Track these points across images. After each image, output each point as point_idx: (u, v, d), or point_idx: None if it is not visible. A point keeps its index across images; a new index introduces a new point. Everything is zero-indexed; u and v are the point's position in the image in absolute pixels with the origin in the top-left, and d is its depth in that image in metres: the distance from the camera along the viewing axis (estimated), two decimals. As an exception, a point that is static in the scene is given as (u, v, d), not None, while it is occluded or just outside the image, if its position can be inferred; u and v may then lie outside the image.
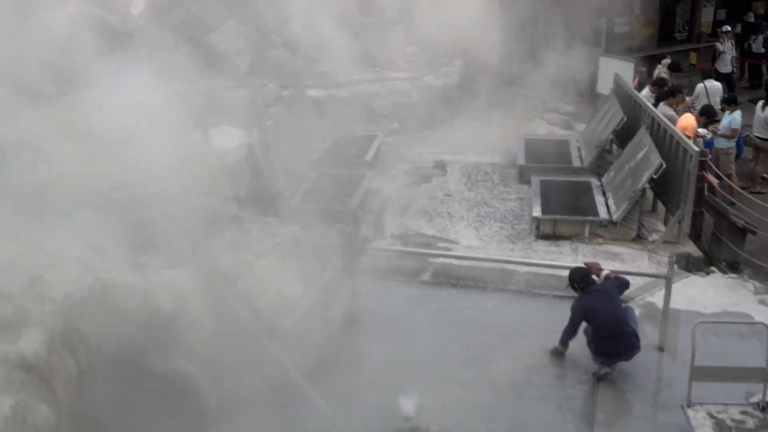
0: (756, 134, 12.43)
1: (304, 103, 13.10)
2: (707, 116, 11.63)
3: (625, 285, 7.16)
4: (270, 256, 7.05)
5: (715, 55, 16.69)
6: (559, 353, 7.22)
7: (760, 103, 12.53)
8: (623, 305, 7.20)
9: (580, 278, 7.04)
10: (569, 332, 7.09)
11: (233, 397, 6.35)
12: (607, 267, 7.39)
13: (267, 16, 15.15)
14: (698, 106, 12.51)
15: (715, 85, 13.66)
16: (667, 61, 14.38)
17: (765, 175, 12.74)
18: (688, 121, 11.08)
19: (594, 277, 7.06)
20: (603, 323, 6.77)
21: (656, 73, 14.50)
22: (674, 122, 10.94)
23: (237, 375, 6.41)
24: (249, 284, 6.69)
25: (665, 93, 12.41)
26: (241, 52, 14.56)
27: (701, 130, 11.38)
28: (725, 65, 16.40)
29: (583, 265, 7.27)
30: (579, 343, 7.12)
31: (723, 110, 12.39)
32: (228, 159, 9.43)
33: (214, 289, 6.44)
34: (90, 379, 5.47)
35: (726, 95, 12.97)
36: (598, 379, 6.80)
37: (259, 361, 6.51)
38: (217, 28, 14.78)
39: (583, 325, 7.00)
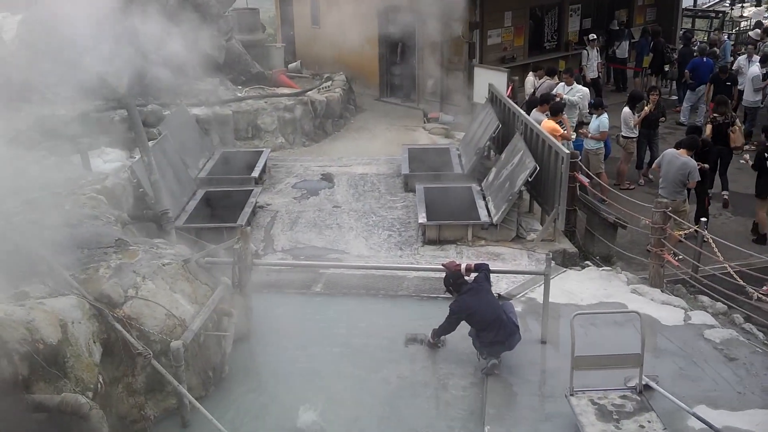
0: (623, 134, 13.24)
1: (188, 121, 12.96)
2: (558, 112, 12.20)
3: (487, 269, 7.49)
4: (157, 278, 6.96)
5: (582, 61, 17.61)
6: (433, 347, 7.55)
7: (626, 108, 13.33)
8: (503, 302, 7.55)
9: (454, 281, 7.38)
10: (446, 329, 7.40)
11: (128, 424, 6.25)
12: (492, 267, 7.67)
13: (144, 36, 14.89)
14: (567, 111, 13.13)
15: (583, 90, 14.40)
16: (541, 72, 15.02)
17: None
18: (550, 125, 11.57)
19: (465, 276, 7.40)
20: (482, 317, 7.09)
21: (527, 80, 15.15)
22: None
23: (130, 401, 6.32)
24: (137, 308, 6.59)
25: (537, 100, 13.03)
26: (118, 73, 14.23)
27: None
28: (592, 71, 17.33)
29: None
30: (465, 343, 7.38)
31: (591, 114, 13.11)
32: (109, 181, 9.23)
33: (101, 315, 6.30)
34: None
35: (593, 99, 13.71)
36: (487, 374, 7.08)
37: (152, 385, 6.45)
38: (92, 50, 14.40)
39: (467, 327, 7.31)
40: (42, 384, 5.65)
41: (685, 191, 10.69)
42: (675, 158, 10.61)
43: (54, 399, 5.62)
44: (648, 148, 13.51)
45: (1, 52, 13.56)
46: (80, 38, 14.32)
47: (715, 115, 12.79)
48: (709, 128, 12.73)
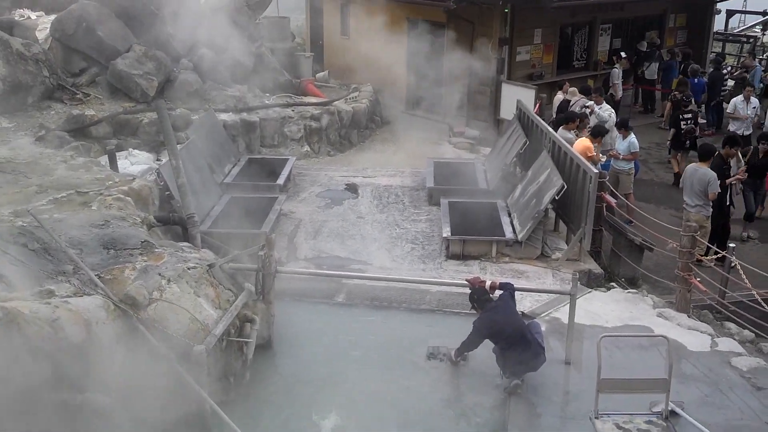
0: None
1: (215, 126, 13.01)
2: (599, 135, 12.18)
3: (512, 289, 7.43)
4: (182, 282, 6.96)
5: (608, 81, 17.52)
6: (455, 363, 7.47)
7: None
8: (530, 321, 7.45)
9: (479, 297, 7.30)
10: (469, 346, 7.31)
11: (147, 427, 6.22)
12: (516, 285, 7.63)
13: (175, 40, 15.03)
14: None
15: (611, 110, 14.29)
16: (573, 88, 14.90)
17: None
18: (584, 144, 11.56)
19: (490, 294, 7.32)
20: (508, 336, 7.01)
21: (556, 97, 15.08)
22: (573, 145, 11.38)
23: (151, 404, 6.30)
24: (161, 311, 6.58)
25: (563, 118, 12.97)
26: (149, 76, 14.36)
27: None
28: (617, 91, 17.26)
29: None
30: (488, 360, 7.30)
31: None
32: (136, 183, 9.26)
33: (125, 316, 6.30)
34: (-3, 413, 5.26)
35: (619, 119, 13.61)
36: (509, 393, 6.99)
37: (173, 388, 6.42)
38: (124, 53, 14.55)
39: (491, 344, 7.22)
40: (65, 383, 5.64)
41: (709, 208, 10.58)
42: (695, 170, 10.76)
43: (76, 398, 5.61)
44: (754, 199, 12.22)
45: (34, 51, 13.70)
46: (112, 40, 14.52)
47: (675, 92, 15.28)
48: (669, 105, 15.17)
